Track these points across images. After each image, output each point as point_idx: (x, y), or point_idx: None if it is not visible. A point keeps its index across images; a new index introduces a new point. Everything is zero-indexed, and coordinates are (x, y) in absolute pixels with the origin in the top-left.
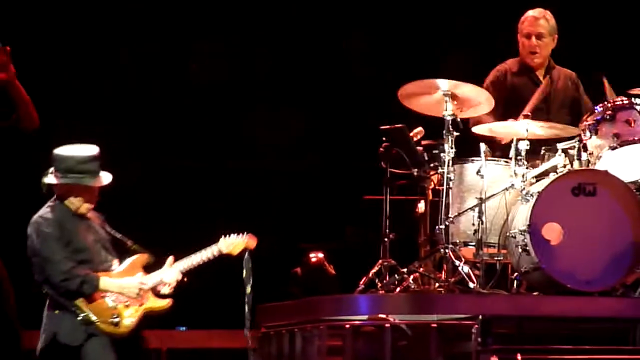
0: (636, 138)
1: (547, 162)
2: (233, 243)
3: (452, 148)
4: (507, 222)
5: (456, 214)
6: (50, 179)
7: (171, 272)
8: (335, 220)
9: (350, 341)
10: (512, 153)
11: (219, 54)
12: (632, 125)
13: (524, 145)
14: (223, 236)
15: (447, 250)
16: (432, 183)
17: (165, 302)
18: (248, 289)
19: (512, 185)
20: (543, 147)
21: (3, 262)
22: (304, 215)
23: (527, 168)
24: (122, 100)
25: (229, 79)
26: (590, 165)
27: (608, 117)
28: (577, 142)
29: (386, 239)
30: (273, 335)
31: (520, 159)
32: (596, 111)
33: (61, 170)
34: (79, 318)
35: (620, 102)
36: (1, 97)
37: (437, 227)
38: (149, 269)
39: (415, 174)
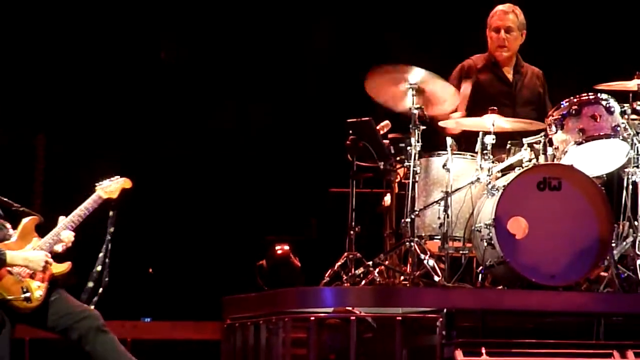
0: (602, 133)
1: (512, 156)
2: (110, 186)
3: (418, 142)
4: (472, 216)
5: (422, 207)
6: None
7: (64, 232)
8: (301, 212)
9: (315, 333)
10: (478, 147)
11: (187, 45)
12: (598, 120)
13: (489, 139)
14: (97, 184)
15: (412, 244)
16: (398, 176)
17: (65, 266)
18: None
19: (478, 179)
20: (509, 142)
21: None
22: (269, 207)
23: (492, 162)
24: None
25: (197, 69)
26: (555, 159)
27: (574, 112)
28: (543, 137)
29: (352, 232)
30: (238, 327)
31: (486, 153)
32: (562, 106)
33: None
34: None
35: (586, 97)
36: None
37: (402, 220)
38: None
39: (382, 167)
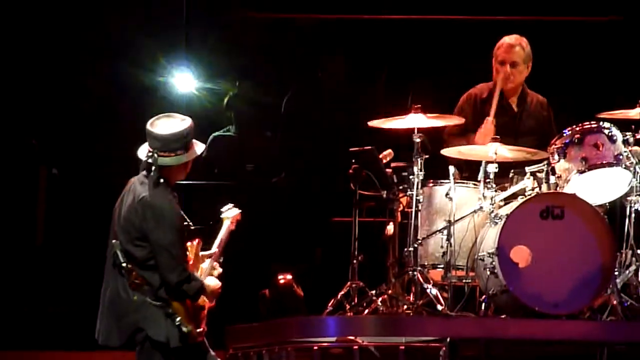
0: (604, 162)
1: (515, 185)
2: (232, 216)
3: (421, 170)
4: (475, 245)
5: (425, 236)
6: (170, 159)
7: (216, 260)
8: (305, 241)
9: None
10: (480, 176)
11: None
12: (600, 149)
13: (492, 168)
14: (223, 212)
15: (415, 273)
16: (401, 205)
17: (213, 302)
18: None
19: (481, 207)
20: (512, 170)
21: None
22: (273, 236)
23: (495, 191)
24: None
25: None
26: (558, 188)
27: (576, 140)
28: (546, 166)
29: (355, 261)
30: (241, 356)
31: (489, 182)
32: (564, 134)
33: (183, 146)
34: (177, 323)
35: (589, 126)
36: None
37: (405, 249)
38: None
39: (384, 196)
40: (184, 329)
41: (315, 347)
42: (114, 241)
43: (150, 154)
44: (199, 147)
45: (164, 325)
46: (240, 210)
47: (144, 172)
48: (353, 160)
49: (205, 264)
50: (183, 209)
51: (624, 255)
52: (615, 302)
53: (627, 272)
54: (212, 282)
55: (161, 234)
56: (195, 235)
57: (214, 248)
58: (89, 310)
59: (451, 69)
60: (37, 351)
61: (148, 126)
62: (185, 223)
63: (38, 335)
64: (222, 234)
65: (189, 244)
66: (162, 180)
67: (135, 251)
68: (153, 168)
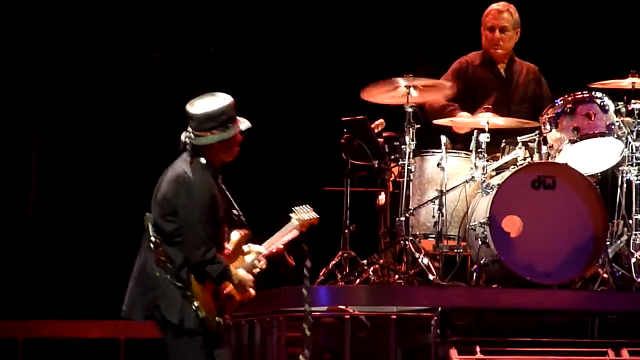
0: (596, 132)
1: (507, 154)
2: (304, 219)
3: (412, 140)
4: (467, 215)
5: (416, 206)
6: (205, 139)
7: (262, 258)
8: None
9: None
10: (472, 145)
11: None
12: (592, 118)
13: (484, 138)
14: (294, 213)
15: (407, 243)
16: (392, 175)
17: (253, 293)
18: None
19: (473, 177)
20: (503, 140)
21: None
22: (263, 206)
23: (487, 161)
24: None
25: (191, 68)
26: (550, 158)
27: (568, 110)
28: (538, 135)
29: (346, 231)
30: (232, 325)
31: (481, 152)
32: (556, 104)
33: (219, 126)
34: (193, 307)
35: (581, 96)
36: None
37: (397, 219)
38: None
39: (376, 165)
40: (200, 314)
41: None
42: (147, 214)
43: (187, 133)
44: (237, 126)
45: (179, 306)
46: (317, 216)
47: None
48: (345, 130)
49: (250, 257)
50: (233, 195)
51: (615, 225)
52: (606, 272)
53: (619, 242)
54: (243, 274)
55: (190, 210)
56: (243, 225)
57: (265, 245)
58: (81, 281)
59: (440, 38)
60: (27, 320)
61: (187, 106)
62: (235, 211)
63: (28, 304)
64: (282, 234)
65: (236, 233)
66: (202, 160)
67: (165, 226)
68: (189, 147)
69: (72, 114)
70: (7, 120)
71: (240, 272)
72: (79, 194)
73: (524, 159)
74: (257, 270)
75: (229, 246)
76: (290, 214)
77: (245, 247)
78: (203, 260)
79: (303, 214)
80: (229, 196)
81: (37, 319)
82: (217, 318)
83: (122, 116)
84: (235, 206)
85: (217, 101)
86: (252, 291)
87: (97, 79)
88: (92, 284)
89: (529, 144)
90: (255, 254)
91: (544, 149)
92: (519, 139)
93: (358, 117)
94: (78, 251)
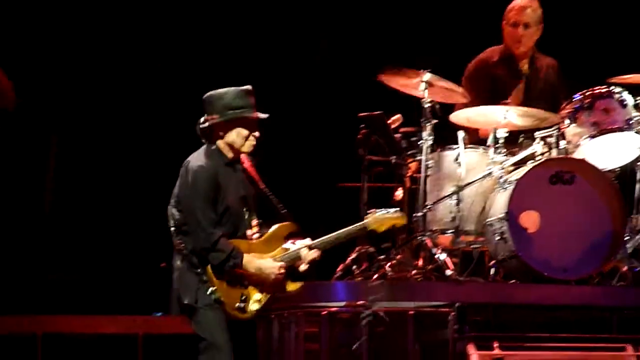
0: (614, 127)
1: (525, 150)
2: (381, 219)
3: (430, 135)
4: (484, 210)
5: (434, 201)
6: (204, 123)
7: (304, 249)
8: (313, 207)
9: (327, 328)
10: (490, 141)
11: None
12: (611, 113)
13: (502, 133)
14: (372, 211)
15: (424, 238)
16: (409, 170)
17: (297, 286)
18: None
19: (490, 173)
20: (521, 135)
21: None
22: (281, 202)
23: (505, 156)
24: None
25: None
26: (568, 153)
27: (586, 105)
28: (556, 130)
29: None
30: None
31: (499, 147)
32: (575, 99)
33: (217, 110)
34: (207, 292)
35: (599, 91)
36: None
37: (414, 214)
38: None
39: (393, 161)
40: (214, 295)
41: (324, 312)
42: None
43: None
44: (242, 115)
45: (195, 288)
46: (400, 215)
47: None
48: (362, 125)
49: (292, 248)
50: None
51: (634, 220)
52: (625, 267)
53: (637, 237)
54: (263, 263)
55: (189, 198)
56: (285, 218)
57: (318, 240)
58: (95, 277)
59: (460, 32)
60: (45, 315)
61: None
62: (273, 202)
63: (45, 300)
64: (341, 232)
65: (275, 227)
66: (212, 147)
67: (177, 214)
68: (198, 133)
69: (91, 111)
70: (26, 117)
71: (261, 261)
72: (98, 192)
73: (542, 154)
74: (304, 262)
75: (257, 234)
76: (369, 214)
77: (291, 242)
78: (203, 248)
79: (384, 216)
80: (261, 186)
81: (56, 315)
82: (237, 304)
83: (141, 113)
84: (271, 197)
85: (226, 89)
86: (277, 281)
87: (115, 76)
88: (111, 280)
89: (547, 139)
90: (300, 246)
91: (562, 144)
92: (536, 134)
93: (375, 113)
94: (97, 247)
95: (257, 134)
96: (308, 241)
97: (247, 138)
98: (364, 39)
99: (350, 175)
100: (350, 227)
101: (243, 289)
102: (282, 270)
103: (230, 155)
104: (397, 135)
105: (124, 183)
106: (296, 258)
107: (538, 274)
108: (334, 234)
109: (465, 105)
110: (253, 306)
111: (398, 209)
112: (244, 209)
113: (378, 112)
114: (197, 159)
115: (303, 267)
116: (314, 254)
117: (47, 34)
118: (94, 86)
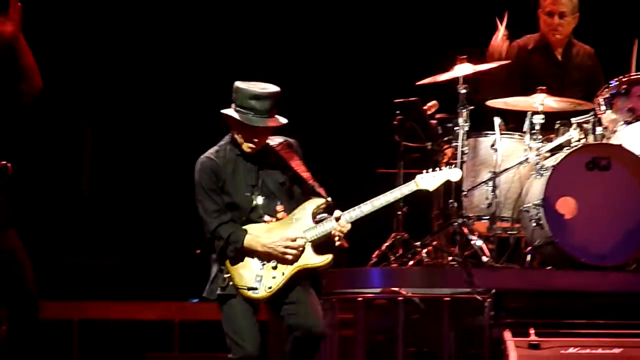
0: None
1: (561, 136)
2: (430, 179)
3: (466, 122)
4: (520, 196)
5: (470, 187)
6: (227, 110)
7: (329, 222)
8: (349, 193)
9: (362, 314)
10: (526, 127)
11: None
12: None
13: (538, 119)
14: (419, 175)
15: (460, 224)
16: (445, 157)
17: (323, 260)
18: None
19: (527, 159)
20: (557, 121)
21: (18, 233)
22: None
23: (541, 142)
24: None
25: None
26: (604, 139)
27: (623, 91)
28: (592, 116)
29: (399, 212)
30: None
31: (535, 133)
32: (611, 85)
33: (235, 103)
34: (223, 281)
35: (636, 76)
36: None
37: (450, 201)
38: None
39: (429, 147)
40: (224, 285)
41: (360, 299)
42: None
43: None
44: (246, 117)
45: (212, 277)
46: (447, 172)
47: None
48: (398, 112)
49: (323, 224)
50: None
51: None
52: None
53: None
54: (273, 241)
55: (195, 188)
56: (317, 195)
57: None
58: (131, 263)
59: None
60: (81, 302)
61: None
62: (309, 178)
63: (81, 286)
64: (382, 198)
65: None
66: (227, 137)
67: None
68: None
69: (126, 104)
70: (61, 111)
71: (266, 239)
72: (135, 178)
73: (579, 140)
74: (336, 235)
75: (287, 214)
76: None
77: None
78: (208, 238)
79: (432, 175)
80: (295, 169)
81: (92, 300)
82: (250, 284)
83: (179, 100)
84: (307, 179)
85: (250, 84)
86: (289, 255)
87: (149, 69)
88: (147, 266)
89: (584, 125)
90: (328, 219)
91: (599, 130)
92: (573, 120)
93: (411, 99)
94: (133, 234)
95: (255, 140)
96: (337, 213)
97: (243, 142)
98: (402, 25)
99: (388, 161)
100: (391, 191)
101: (258, 270)
102: (290, 243)
103: (240, 145)
104: (433, 122)
105: (162, 169)
106: (324, 232)
107: (574, 261)
108: (378, 198)
109: (492, 84)
110: (269, 284)
111: (447, 169)
112: (256, 197)
113: (414, 98)
114: (208, 151)
115: (337, 242)
116: (345, 226)
117: (78, 26)
118: (129, 77)
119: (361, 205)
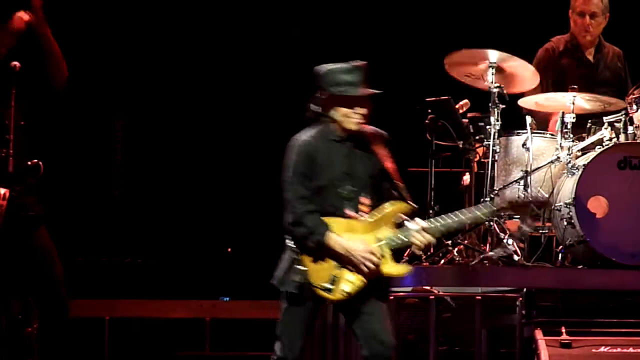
0: None
1: (593, 135)
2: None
3: (497, 120)
4: (552, 195)
5: (501, 186)
6: (314, 99)
7: (416, 232)
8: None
9: (394, 313)
10: (558, 126)
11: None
12: None
13: (569, 118)
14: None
15: (491, 223)
16: (477, 155)
17: (401, 270)
18: None
19: (558, 158)
20: (589, 120)
21: (49, 231)
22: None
23: (573, 141)
24: None
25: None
26: (636, 138)
27: None
28: (624, 116)
29: (431, 211)
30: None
31: (566, 132)
32: None
33: (324, 85)
34: (297, 269)
35: None
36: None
37: (482, 199)
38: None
39: (461, 146)
40: (301, 278)
41: (391, 297)
42: None
43: None
44: (342, 91)
45: (285, 266)
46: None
47: None
48: (429, 110)
49: (404, 230)
50: None
51: None
52: None
53: None
54: (356, 247)
55: (284, 171)
56: (401, 199)
57: (433, 225)
58: (162, 261)
59: (526, 21)
60: (112, 300)
61: None
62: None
63: (114, 284)
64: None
65: (386, 206)
66: (320, 123)
67: None
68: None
69: (157, 104)
70: (92, 100)
71: (350, 243)
72: (167, 177)
73: (610, 139)
74: (416, 247)
75: (369, 216)
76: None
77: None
78: (289, 222)
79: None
80: (385, 165)
81: (123, 299)
82: (325, 284)
83: (214, 98)
84: (395, 178)
85: (335, 64)
86: (369, 265)
87: (181, 59)
88: (178, 264)
89: (615, 124)
90: (410, 230)
91: (630, 129)
92: (604, 119)
93: (442, 98)
94: (165, 232)
95: (362, 110)
96: (421, 224)
97: (349, 115)
98: (435, 23)
99: (420, 160)
100: (470, 211)
101: (335, 269)
102: (371, 255)
103: (338, 131)
104: (465, 120)
105: (193, 168)
106: (403, 243)
107: (606, 259)
108: (452, 218)
109: (535, 91)
110: (344, 287)
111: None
112: (348, 187)
113: (445, 97)
114: (299, 134)
115: (417, 252)
116: (427, 238)
117: (109, 18)
118: (160, 76)
119: (448, 220)
